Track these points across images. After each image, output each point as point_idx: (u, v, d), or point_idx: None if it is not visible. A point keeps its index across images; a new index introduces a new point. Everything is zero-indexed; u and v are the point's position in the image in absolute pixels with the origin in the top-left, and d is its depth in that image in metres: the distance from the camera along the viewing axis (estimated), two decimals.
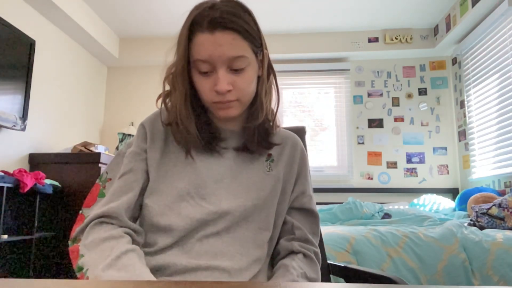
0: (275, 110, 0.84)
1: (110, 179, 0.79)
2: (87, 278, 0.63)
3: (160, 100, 0.80)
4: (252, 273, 0.73)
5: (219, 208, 0.73)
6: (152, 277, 0.63)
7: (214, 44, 0.69)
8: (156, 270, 0.71)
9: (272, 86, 0.82)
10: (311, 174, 1.04)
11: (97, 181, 0.80)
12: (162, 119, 0.81)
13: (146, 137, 0.80)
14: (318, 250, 0.83)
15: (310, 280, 0.77)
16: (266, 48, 0.79)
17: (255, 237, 0.75)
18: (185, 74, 0.74)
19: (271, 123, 0.82)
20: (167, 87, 0.79)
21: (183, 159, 0.78)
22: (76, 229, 0.73)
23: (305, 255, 0.80)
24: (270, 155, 0.83)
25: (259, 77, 0.79)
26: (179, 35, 0.74)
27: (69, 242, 0.73)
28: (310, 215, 0.85)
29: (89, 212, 0.75)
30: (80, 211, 0.77)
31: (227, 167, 0.79)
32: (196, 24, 0.71)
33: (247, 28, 0.72)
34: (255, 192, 0.77)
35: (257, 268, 0.75)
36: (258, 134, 0.81)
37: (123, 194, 0.75)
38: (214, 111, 0.77)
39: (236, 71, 0.72)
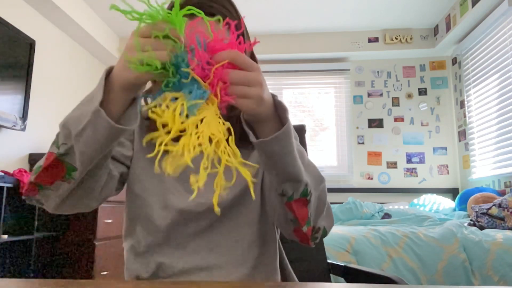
0: None
1: None
2: (55, 139, 0.59)
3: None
4: (250, 263, 0.72)
5: (207, 200, 0.70)
6: (98, 90, 0.57)
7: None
8: (153, 272, 0.71)
9: None
10: None
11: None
12: (142, 115, 0.78)
13: (133, 138, 0.78)
14: None
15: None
16: (249, 39, 0.77)
17: (247, 218, 0.75)
18: None
19: None
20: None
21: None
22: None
23: None
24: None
25: None
26: None
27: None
28: None
29: None
30: None
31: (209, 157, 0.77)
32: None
33: (227, 14, 0.70)
34: (240, 175, 0.76)
35: (255, 253, 0.73)
36: (241, 126, 0.79)
37: None
38: None
39: None
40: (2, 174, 2.23)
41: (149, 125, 0.77)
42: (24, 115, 2.61)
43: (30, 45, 2.66)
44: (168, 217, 0.71)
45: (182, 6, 0.68)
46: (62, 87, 3.26)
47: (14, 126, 2.51)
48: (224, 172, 0.76)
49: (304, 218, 0.64)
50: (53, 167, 0.59)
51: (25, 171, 2.36)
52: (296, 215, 0.64)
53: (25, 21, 2.74)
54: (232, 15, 0.72)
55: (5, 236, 2.17)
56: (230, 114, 0.77)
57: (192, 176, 0.49)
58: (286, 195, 0.63)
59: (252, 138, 0.58)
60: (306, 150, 1.05)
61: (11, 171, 2.33)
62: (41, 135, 2.95)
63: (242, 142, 0.78)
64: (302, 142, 1.04)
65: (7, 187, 2.20)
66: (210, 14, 0.68)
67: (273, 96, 0.60)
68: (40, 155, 2.79)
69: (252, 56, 0.79)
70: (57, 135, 0.60)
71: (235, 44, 0.53)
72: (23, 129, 2.61)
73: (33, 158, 2.79)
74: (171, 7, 0.69)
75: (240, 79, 0.52)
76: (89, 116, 0.54)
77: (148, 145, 0.75)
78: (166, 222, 0.71)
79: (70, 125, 0.57)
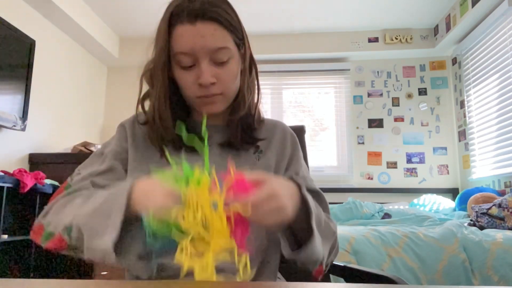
0: (257, 105, 0.82)
1: (80, 174, 0.76)
2: (68, 226, 0.61)
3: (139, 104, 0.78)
4: (254, 267, 0.72)
5: None
6: (128, 184, 0.60)
7: (195, 35, 0.67)
8: (153, 273, 0.70)
9: (255, 81, 0.81)
10: (311, 174, 1.04)
11: (68, 179, 0.77)
12: (139, 120, 0.79)
13: (126, 137, 0.78)
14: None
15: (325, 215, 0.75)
16: (247, 41, 0.77)
17: (252, 227, 0.74)
18: (165, 69, 0.71)
19: (254, 118, 0.81)
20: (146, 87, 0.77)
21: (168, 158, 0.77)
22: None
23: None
24: (257, 147, 0.81)
25: (241, 71, 0.77)
26: (157, 30, 0.72)
27: (31, 232, 0.69)
28: (310, 193, 0.84)
29: None
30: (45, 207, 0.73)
31: (214, 163, 0.77)
32: (175, 16, 0.69)
33: (228, 18, 0.70)
34: None
35: (258, 260, 0.73)
36: (242, 129, 0.79)
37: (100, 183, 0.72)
38: (197, 107, 0.75)
39: (219, 63, 0.70)
40: (2, 174, 2.23)
41: (148, 131, 0.78)
42: (24, 115, 2.61)
43: (30, 45, 2.66)
44: None
45: (183, 12, 0.68)
46: (62, 87, 3.26)
47: (14, 126, 2.51)
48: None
49: (321, 272, 0.71)
50: (64, 248, 0.64)
51: (25, 171, 2.36)
52: (314, 274, 0.71)
53: (25, 21, 2.74)
54: (233, 19, 0.72)
55: (5, 236, 2.17)
56: (231, 117, 0.78)
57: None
58: (307, 271, 0.70)
59: (286, 254, 0.67)
60: (305, 150, 1.05)
61: (11, 171, 2.33)
62: (41, 135, 2.95)
63: (244, 145, 0.79)
64: (302, 143, 1.04)
65: (7, 187, 2.20)
66: (213, 19, 0.68)
67: (300, 187, 0.65)
68: (40, 155, 2.80)
69: (251, 61, 0.80)
70: (71, 225, 0.62)
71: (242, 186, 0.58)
72: (23, 129, 2.61)
73: (33, 158, 2.79)
74: (170, 14, 0.70)
75: (259, 214, 0.55)
76: (100, 249, 0.58)
77: (143, 157, 0.76)
78: None
79: (85, 232, 0.60)
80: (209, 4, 0.68)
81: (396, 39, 3.68)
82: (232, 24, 0.71)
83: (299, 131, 1.06)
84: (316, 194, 0.83)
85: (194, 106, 0.76)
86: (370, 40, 3.75)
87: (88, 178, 0.73)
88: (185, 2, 0.69)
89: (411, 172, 3.68)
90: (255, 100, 0.82)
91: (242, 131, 0.79)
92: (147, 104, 0.78)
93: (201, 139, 0.78)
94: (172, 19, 0.69)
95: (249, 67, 0.79)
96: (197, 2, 0.68)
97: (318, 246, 0.65)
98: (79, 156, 2.80)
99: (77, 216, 0.61)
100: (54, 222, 0.65)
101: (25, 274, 2.36)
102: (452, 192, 3.55)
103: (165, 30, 0.69)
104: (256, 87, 0.82)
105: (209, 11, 0.68)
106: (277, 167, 0.81)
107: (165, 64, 0.71)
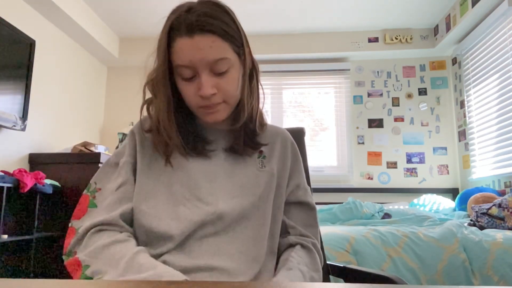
0: (261, 109, 0.83)
1: (100, 189, 0.77)
2: None
3: (144, 108, 0.79)
4: (253, 272, 0.72)
5: (217, 209, 0.72)
6: (177, 273, 0.62)
7: (194, 48, 0.68)
8: None
9: (256, 86, 0.82)
10: (311, 174, 1.05)
11: (85, 192, 0.78)
12: (143, 127, 0.80)
13: (135, 144, 0.79)
14: (316, 241, 0.83)
15: (310, 269, 0.77)
16: (248, 46, 0.78)
17: (254, 234, 0.75)
18: (166, 80, 0.73)
19: (256, 123, 0.82)
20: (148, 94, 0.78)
21: (174, 163, 0.77)
22: (70, 242, 0.70)
23: (302, 245, 0.81)
24: (261, 152, 0.83)
25: (242, 76, 0.78)
26: (158, 41, 0.73)
27: (64, 257, 0.70)
28: (306, 207, 0.86)
29: (80, 224, 0.72)
30: (70, 224, 0.74)
31: (219, 167, 0.78)
32: (174, 29, 0.70)
33: (226, 28, 0.70)
34: (250, 190, 0.77)
35: (258, 267, 0.74)
36: (245, 134, 0.80)
37: (122, 204, 0.74)
38: (201, 116, 0.77)
39: (219, 73, 0.71)
40: (2, 174, 2.23)
41: (152, 139, 0.79)
42: (24, 115, 2.61)
43: (30, 45, 2.66)
44: (179, 227, 0.71)
45: (181, 25, 0.69)
46: (62, 87, 3.26)
47: (14, 126, 2.51)
48: (237, 180, 0.77)
49: None
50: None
51: (25, 171, 2.36)
52: None
53: (25, 21, 2.74)
54: (231, 28, 0.72)
55: (5, 236, 2.17)
56: (232, 127, 0.79)
57: None
58: None
59: None
60: (305, 152, 1.05)
61: (11, 171, 2.33)
62: (41, 135, 2.95)
63: (246, 148, 0.80)
64: (301, 145, 1.04)
65: (7, 187, 2.20)
66: (210, 31, 0.69)
67: None
68: (40, 155, 2.81)
69: (253, 66, 0.80)
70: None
71: None
72: (23, 129, 2.61)
73: (33, 158, 2.79)
74: (169, 27, 0.70)
75: None
76: None
77: (152, 162, 0.77)
78: (177, 233, 0.71)
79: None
80: (206, 16, 0.69)
81: (396, 39, 3.68)
82: (230, 34, 0.71)
83: (299, 133, 1.06)
84: (308, 208, 0.86)
85: (198, 115, 0.78)
86: (370, 40, 3.75)
87: (111, 196, 0.74)
88: (183, 15, 0.69)
89: (411, 172, 3.68)
90: (257, 105, 0.83)
91: (246, 137, 0.81)
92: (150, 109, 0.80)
93: (207, 143, 0.79)
94: (171, 32, 0.70)
95: (250, 73, 0.79)
96: (194, 14, 0.69)
97: None
98: (79, 156, 2.80)
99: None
100: (92, 267, 0.65)
101: (25, 274, 2.36)
102: (452, 192, 3.55)
103: (165, 43, 0.71)
104: (258, 92, 0.82)
105: (206, 24, 0.68)
106: (279, 176, 0.82)
107: (166, 76, 0.73)
